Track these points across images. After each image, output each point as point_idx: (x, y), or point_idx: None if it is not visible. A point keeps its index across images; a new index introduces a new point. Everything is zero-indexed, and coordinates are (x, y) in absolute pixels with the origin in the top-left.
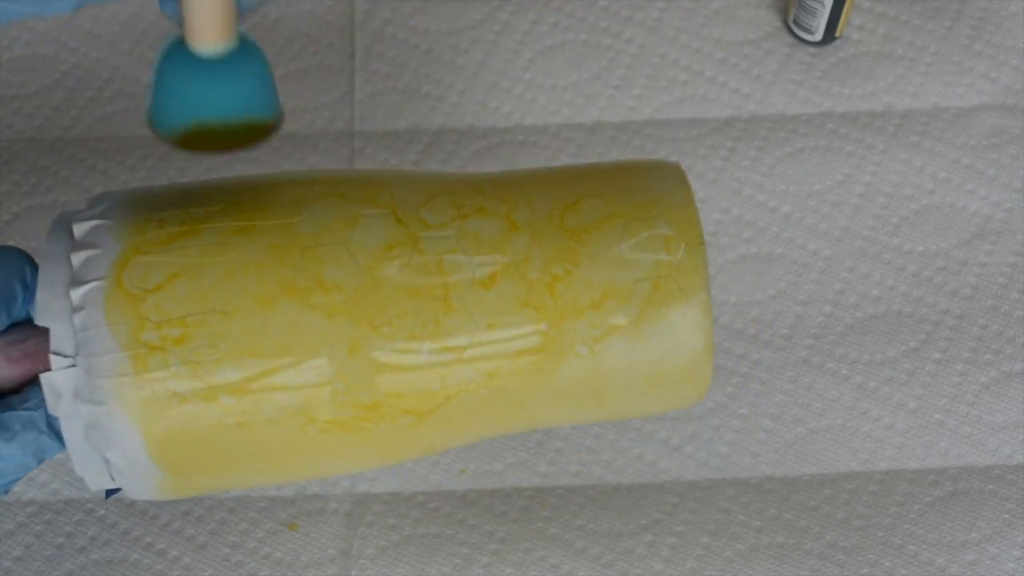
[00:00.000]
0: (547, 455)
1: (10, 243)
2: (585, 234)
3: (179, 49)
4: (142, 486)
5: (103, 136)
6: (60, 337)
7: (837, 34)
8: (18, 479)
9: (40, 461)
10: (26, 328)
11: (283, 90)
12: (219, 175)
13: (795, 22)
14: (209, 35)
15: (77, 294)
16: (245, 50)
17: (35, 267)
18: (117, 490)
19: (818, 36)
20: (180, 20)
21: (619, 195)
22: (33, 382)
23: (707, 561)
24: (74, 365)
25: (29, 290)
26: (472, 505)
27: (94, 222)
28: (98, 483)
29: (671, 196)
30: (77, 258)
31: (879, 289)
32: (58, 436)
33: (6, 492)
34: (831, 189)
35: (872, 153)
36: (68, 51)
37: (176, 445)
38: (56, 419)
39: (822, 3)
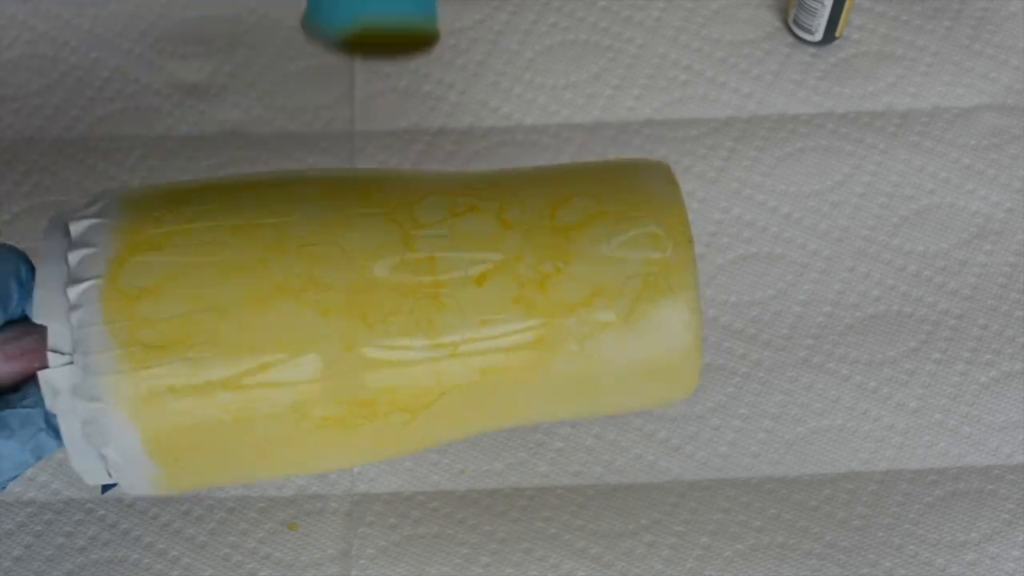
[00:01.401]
0: (547, 455)
1: (9, 243)
2: (575, 232)
3: None
4: (139, 481)
5: (103, 136)
6: (58, 335)
7: (837, 34)
8: (16, 476)
9: (38, 458)
10: (23, 325)
11: (283, 90)
12: (218, 176)
13: (795, 22)
14: None
15: (74, 292)
16: None
17: (30, 265)
18: (113, 484)
19: (818, 36)
20: None
21: (609, 194)
22: (31, 379)
23: (707, 561)
24: (71, 363)
25: (25, 288)
26: (472, 505)
27: (90, 221)
28: (95, 479)
29: (660, 195)
30: (74, 256)
31: (879, 289)
32: (56, 433)
33: (3, 488)
34: (831, 189)
35: (872, 153)
36: (68, 51)
37: (172, 441)
38: (54, 416)
39: (822, 3)
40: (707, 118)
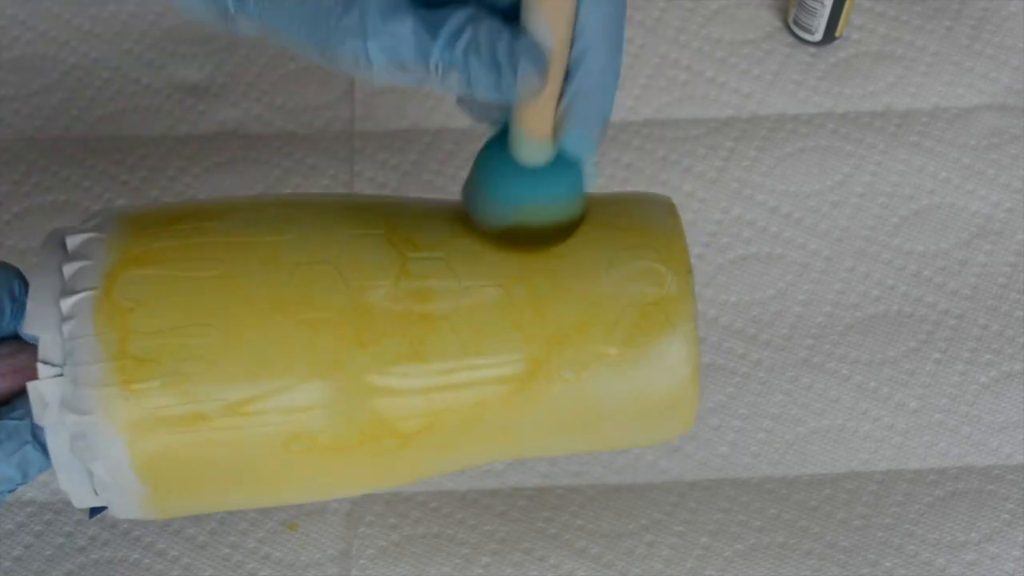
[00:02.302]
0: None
1: (9, 243)
2: (573, 256)
3: (500, 151)
4: (125, 502)
5: (103, 136)
6: (49, 346)
7: (837, 34)
8: (2, 494)
9: (25, 475)
10: (15, 342)
11: (283, 90)
12: (217, 180)
13: (795, 22)
14: (537, 131)
15: (67, 304)
16: (562, 161)
17: (24, 281)
18: (101, 509)
19: (818, 36)
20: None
21: (610, 220)
22: (21, 394)
23: (707, 561)
24: (61, 374)
25: (17, 304)
26: (472, 505)
27: (87, 235)
28: (82, 498)
29: (660, 224)
30: (69, 269)
31: (879, 289)
32: (43, 448)
33: None
34: (831, 189)
35: (872, 153)
36: (68, 51)
37: (160, 459)
38: (42, 430)
39: (822, 3)
40: (707, 118)
